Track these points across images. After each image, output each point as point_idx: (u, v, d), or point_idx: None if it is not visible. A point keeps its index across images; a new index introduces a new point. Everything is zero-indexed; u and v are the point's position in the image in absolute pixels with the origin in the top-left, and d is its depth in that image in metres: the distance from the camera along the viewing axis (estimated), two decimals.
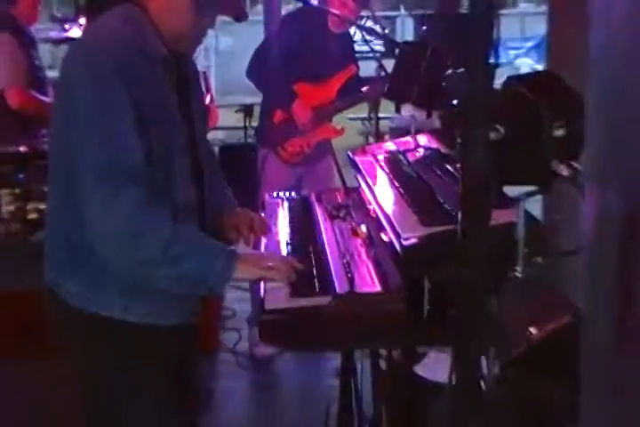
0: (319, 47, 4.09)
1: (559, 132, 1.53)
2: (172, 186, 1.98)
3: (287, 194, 2.79)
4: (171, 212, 1.95)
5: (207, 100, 3.25)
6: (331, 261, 2.09)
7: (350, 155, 2.83)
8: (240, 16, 2.05)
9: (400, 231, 1.94)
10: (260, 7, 11.63)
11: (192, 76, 2.15)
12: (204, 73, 3.87)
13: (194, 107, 2.11)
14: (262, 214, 2.57)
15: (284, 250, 2.24)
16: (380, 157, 2.71)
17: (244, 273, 1.96)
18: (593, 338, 1.07)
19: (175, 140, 1.97)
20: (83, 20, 5.94)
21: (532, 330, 1.88)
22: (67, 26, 7.50)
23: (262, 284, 2.03)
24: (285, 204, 2.67)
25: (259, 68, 4.09)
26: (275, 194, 2.80)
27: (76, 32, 6.79)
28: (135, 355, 2.04)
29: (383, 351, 2.94)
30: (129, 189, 1.85)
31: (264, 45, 4.20)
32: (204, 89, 2.80)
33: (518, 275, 1.61)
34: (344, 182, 4.47)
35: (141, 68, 1.90)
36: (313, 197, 2.70)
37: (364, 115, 9.28)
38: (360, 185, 2.57)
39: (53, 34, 8.11)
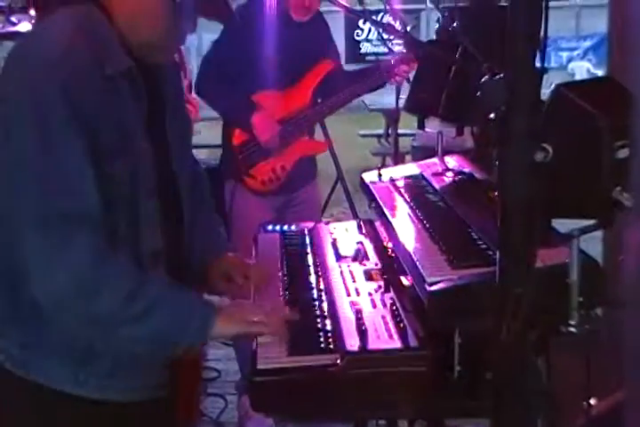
0: (281, 43, 3.91)
1: (622, 154, 1.53)
2: (136, 231, 1.99)
3: (285, 227, 2.79)
4: (135, 260, 1.96)
5: (185, 88, 3.15)
6: (339, 312, 2.08)
7: (363, 179, 2.84)
8: (226, 19, 2.06)
9: (424, 274, 1.93)
10: None
11: (169, 90, 2.14)
12: (180, 51, 3.75)
13: (171, 129, 2.11)
14: (254, 252, 2.57)
15: (280, 298, 2.23)
16: (400, 183, 2.71)
17: (225, 330, 1.98)
18: None
19: (139, 174, 1.98)
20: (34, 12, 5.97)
21: (592, 401, 1.86)
22: (14, 18, 7.55)
23: (254, 339, 2.03)
24: (282, 239, 2.67)
25: (209, 81, 3.97)
26: (269, 227, 2.80)
27: (25, 26, 6.83)
28: None
29: (403, 424, 2.92)
30: (79, 240, 1.85)
31: (212, 51, 4.05)
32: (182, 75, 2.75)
33: (572, 330, 1.61)
34: (355, 213, 4.50)
35: (96, 88, 1.88)
36: (317, 231, 2.70)
37: (380, 130, 9.41)
38: (375, 217, 2.57)
39: None
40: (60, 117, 1.84)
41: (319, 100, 4.11)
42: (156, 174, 2.03)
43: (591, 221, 1.60)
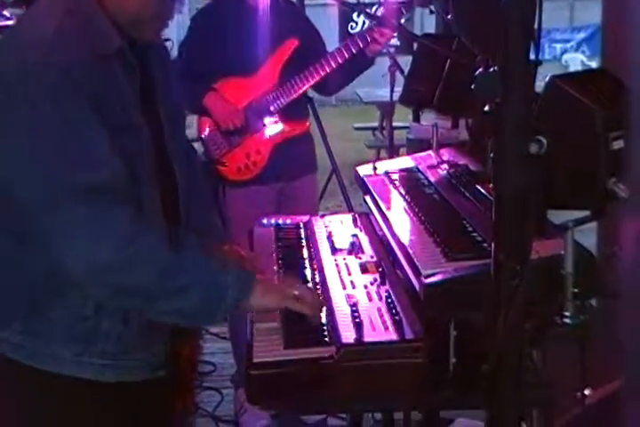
0: (239, 30, 3.89)
1: (617, 145, 1.53)
2: (141, 216, 1.99)
3: (280, 221, 2.79)
4: (164, 232, 1.97)
5: None
6: (334, 304, 2.09)
7: (358, 172, 2.84)
8: None
9: (420, 267, 1.94)
10: None
11: (160, 71, 2.14)
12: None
13: (163, 110, 2.12)
14: (249, 246, 2.58)
15: None
16: (395, 176, 2.71)
17: (265, 301, 1.99)
18: None
19: (141, 155, 1.98)
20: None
21: (586, 391, 1.87)
22: (6, 12, 7.50)
23: (249, 331, 2.03)
24: (277, 233, 2.67)
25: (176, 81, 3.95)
26: (265, 221, 2.80)
27: None
28: (85, 419, 2.05)
29: (399, 416, 2.93)
30: (117, 210, 1.87)
31: (180, 52, 4.00)
32: None
33: (567, 321, 1.61)
34: (350, 206, 4.50)
35: (92, 68, 1.89)
36: (312, 224, 2.70)
37: (375, 123, 9.40)
38: (370, 210, 2.58)
39: None
40: (66, 96, 1.84)
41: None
42: (154, 156, 2.03)
43: (586, 213, 1.60)
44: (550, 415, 1.81)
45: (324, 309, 2.07)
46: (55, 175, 1.86)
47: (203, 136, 4.02)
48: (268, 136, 4.02)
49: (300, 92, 3.97)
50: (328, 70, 3.92)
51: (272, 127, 4.03)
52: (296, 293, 2.01)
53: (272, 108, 3.99)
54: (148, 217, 2.00)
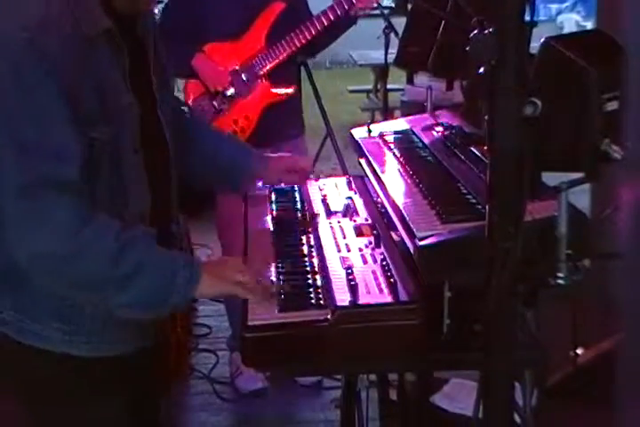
0: None
1: (611, 107, 1.53)
2: (123, 190, 1.99)
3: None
4: (118, 220, 1.96)
5: None
6: (329, 267, 2.10)
7: (352, 135, 2.84)
8: None
9: (414, 229, 1.94)
10: None
11: (150, 41, 2.13)
12: None
13: (155, 80, 2.12)
14: (244, 209, 2.59)
15: (270, 255, 2.24)
16: (390, 139, 2.71)
17: (210, 289, 1.99)
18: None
19: (125, 132, 1.98)
20: None
21: (579, 350, 1.88)
22: None
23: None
24: (272, 196, 2.67)
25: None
26: (259, 184, 2.80)
27: None
28: (80, 394, 2.07)
29: (393, 377, 2.95)
30: (63, 204, 1.86)
31: (162, 18, 3.99)
32: None
33: (560, 282, 1.62)
34: (344, 169, 4.49)
35: (74, 50, 1.86)
36: (306, 187, 2.71)
37: (369, 85, 9.35)
38: (365, 173, 2.58)
39: None
40: (39, 82, 1.83)
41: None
42: (142, 129, 2.03)
43: (579, 174, 1.60)
44: (543, 374, 1.83)
45: (320, 271, 2.08)
46: (9, 165, 1.85)
47: (189, 101, 4.00)
48: (259, 102, 4.00)
49: (287, 55, 3.96)
50: (314, 33, 3.90)
51: (264, 92, 4.02)
52: (241, 279, 2.00)
53: (259, 73, 3.98)
54: (132, 190, 2.01)
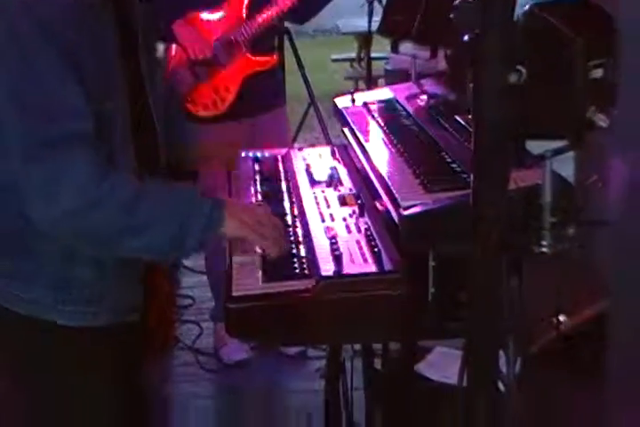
0: None
1: (596, 74, 1.53)
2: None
3: (259, 154, 2.79)
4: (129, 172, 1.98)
5: None
6: (313, 237, 2.10)
7: (336, 104, 2.83)
8: None
9: (399, 199, 1.95)
10: None
11: (138, 19, 2.12)
12: None
13: (144, 59, 2.11)
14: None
15: None
16: (374, 107, 2.71)
17: (234, 231, 2.00)
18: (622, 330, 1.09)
19: (117, 110, 1.98)
20: None
21: (561, 318, 1.90)
22: None
23: (227, 264, 2.05)
24: (255, 166, 2.67)
25: None
26: (243, 154, 2.80)
27: None
28: (66, 365, 2.08)
29: (378, 347, 2.97)
30: (81, 157, 1.86)
31: None
32: None
33: (544, 250, 1.63)
34: (328, 139, 4.49)
35: (75, 20, 1.86)
36: (290, 157, 2.71)
37: (353, 54, 9.32)
38: (348, 142, 2.58)
39: None
40: (42, 50, 1.83)
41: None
42: (131, 109, 2.03)
43: (564, 142, 1.61)
44: (526, 342, 1.84)
45: (304, 241, 2.08)
46: (24, 123, 1.86)
47: (170, 69, 3.98)
48: (239, 72, 3.98)
49: (268, 24, 3.94)
50: (295, 1, 3.89)
51: (244, 62, 4.01)
52: (263, 230, 2.01)
53: (240, 42, 3.96)
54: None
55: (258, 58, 4.00)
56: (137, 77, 2.09)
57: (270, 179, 2.55)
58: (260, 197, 2.41)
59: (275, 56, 4.10)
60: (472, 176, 1.44)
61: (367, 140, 2.43)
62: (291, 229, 2.17)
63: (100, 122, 1.92)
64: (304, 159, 2.67)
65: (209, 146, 3.97)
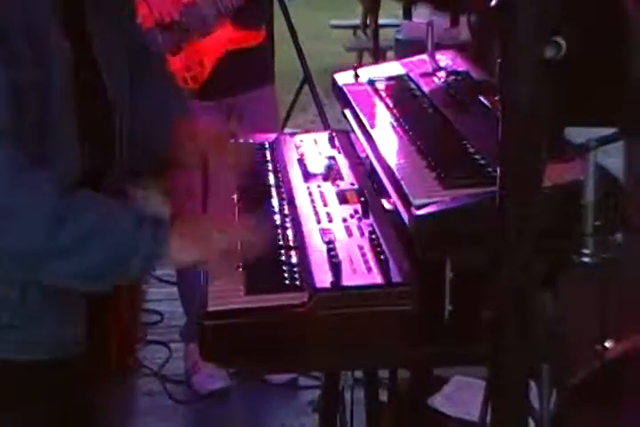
0: None
1: None
2: (51, 151, 1.99)
3: (241, 140, 2.78)
4: (57, 177, 1.96)
5: None
6: (306, 241, 2.11)
7: (336, 81, 2.83)
8: None
9: (410, 196, 1.95)
10: None
11: None
12: None
13: (96, 24, 2.12)
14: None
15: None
16: (381, 85, 2.71)
17: (181, 254, 1.98)
18: None
19: (53, 82, 1.98)
20: None
21: (607, 343, 1.90)
22: None
23: (202, 273, 2.05)
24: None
25: None
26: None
27: None
28: (3, 399, 2.09)
29: (384, 374, 2.97)
30: None
31: None
32: None
33: (586, 260, 1.64)
34: (326, 123, 4.49)
35: None
36: (280, 145, 2.71)
37: (356, 20, 9.32)
38: (350, 127, 2.58)
39: None
40: None
41: None
42: (77, 75, 2.03)
43: (612, 130, 1.61)
44: (564, 372, 1.84)
45: (295, 246, 2.09)
46: None
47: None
48: (218, 46, 4.00)
49: None
50: None
51: (225, 35, 4.01)
52: (214, 246, 2.00)
53: (222, 10, 3.97)
54: (59, 155, 2.01)
55: (242, 32, 4.01)
56: (82, 37, 2.09)
57: (255, 171, 2.55)
58: (242, 192, 2.41)
59: (263, 32, 4.11)
60: (499, 170, 1.45)
61: (373, 126, 2.43)
62: (279, 230, 2.17)
63: (28, 94, 1.92)
64: (296, 147, 2.67)
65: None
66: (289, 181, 2.44)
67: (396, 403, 2.81)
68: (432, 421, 2.56)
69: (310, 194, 2.35)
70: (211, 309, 1.92)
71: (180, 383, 4.30)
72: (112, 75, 2.16)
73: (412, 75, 2.74)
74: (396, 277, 1.92)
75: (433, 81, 2.65)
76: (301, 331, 1.89)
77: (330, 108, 4.45)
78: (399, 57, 3.67)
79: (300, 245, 2.09)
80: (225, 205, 2.37)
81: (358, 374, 3.03)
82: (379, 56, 4.87)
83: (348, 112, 2.63)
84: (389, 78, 2.76)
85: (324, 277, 1.94)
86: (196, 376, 4.26)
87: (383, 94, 2.63)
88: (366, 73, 2.83)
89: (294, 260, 2.04)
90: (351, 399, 2.86)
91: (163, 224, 1.98)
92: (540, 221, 1.40)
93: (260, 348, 1.91)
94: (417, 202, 1.91)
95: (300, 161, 2.55)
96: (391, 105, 2.54)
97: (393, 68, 2.88)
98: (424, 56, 2.84)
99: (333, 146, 2.65)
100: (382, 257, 1.98)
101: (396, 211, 2.01)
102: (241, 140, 2.59)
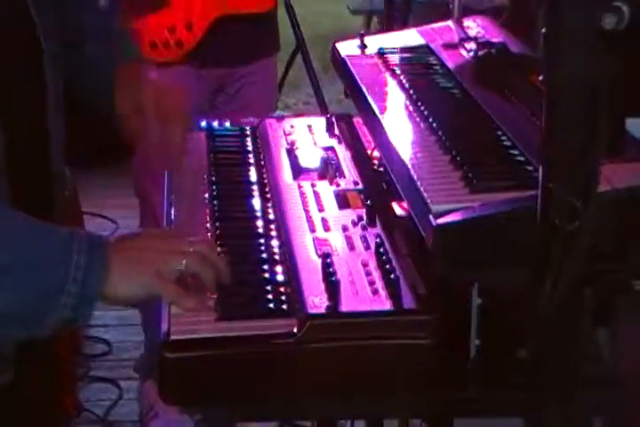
0: None
1: None
2: None
3: (216, 123, 2.79)
4: None
5: None
6: (297, 255, 2.11)
7: (338, 51, 2.84)
8: None
9: (429, 201, 1.95)
10: None
11: None
12: None
13: None
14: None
15: (206, 233, 2.25)
16: (394, 59, 2.72)
17: (125, 290, 1.94)
18: None
19: None
20: None
21: None
22: None
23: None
24: (211, 143, 2.68)
25: None
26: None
27: None
28: None
29: (391, 425, 2.97)
30: None
31: None
32: None
33: None
34: (323, 104, 4.49)
35: None
36: (265, 131, 2.71)
37: None
38: (355, 110, 2.58)
39: None
40: None
41: None
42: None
43: None
44: (625, 421, 1.85)
45: (283, 261, 2.09)
46: None
47: None
48: (209, 9, 4.05)
49: None
50: None
51: None
52: (167, 267, 1.96)
53: None
54: None
55: None
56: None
57: (233, 163, 2.56)
58: (215, 189, 2.41)
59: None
60: (541, 170, 1.45)
61: (383, 109, 2.43)
62: (262, 240, 2.18)
63: None
64: (285, 134, 2.68)
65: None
66: (275, 178, 2.45)
67: None
68: None
69: (302, 195, 2.35)
70: (174, 337, 1.92)
71: None
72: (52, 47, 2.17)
73: (432, 46, 2.75)
74: (408, 303, 1.92)
75: (460, 54, 2.66)
76: (288, 367, 1.89)
77: (329, 85, 4.44)
78: (417, 23, 3.68)
79: (289, 260, 2.10)
80: (193, 204, 2.37)
81: (359, 425, 3.03)
82: (391, 21, 4.87)
83: (351, 91, 2.64)
84: (404, 50, 2.77)
85: (317, 301, 1.94)
86: (153, 423, 4.26)
87: (397, 70, 2.64)
88: (376, 42, 2.84)
89: (281, 278, 2.05)
90: None
91: (98, 249, 1.94)
92: (592, 236, 1.40)
93: (235, 388, 1.92)
94: (437, 208, 1.91)
95: (290, 152, 2.56)
96: (406, 84, 2.54)
97: (409, 36, 2.89)
98: (449, 23, 2.85)
99: (332, 134, 2.66)
100: (392, 276, 1.98)
101: (410, 218, 2.02)
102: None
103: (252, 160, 2.56)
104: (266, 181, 2.44)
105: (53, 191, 2.23)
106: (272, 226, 2.24)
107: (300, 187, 2.39)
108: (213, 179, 2.48)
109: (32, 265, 1.90)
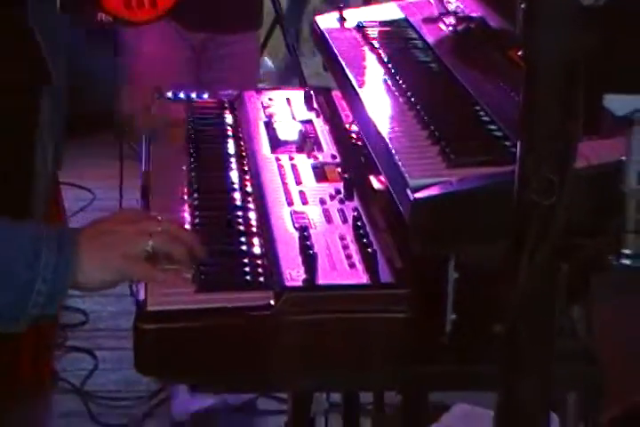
0: None
1: None
2: None
3: (194, 94, 2.79)
4: None
5: None
6: (274, 227, 2.11)
7: (317, 24, 2.83)
8: None
9: (407, 175, 1.95)
10: None
11: None
12: None
13: None
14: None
15: (182, 205, 2.25)
16: (374, 32, 2.71)
17: (96, 275, 1.96)
18: None
19: None
20: None
21: None
22: None
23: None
24: (189, 114, 2.67)
25: None
26: (169, 94, 2.79)
27: None
28: None
29: (367, 398, 2.98)
30: None
31: None
32: None
33: (626, 262, 1.64)
34: (301, 77, 4.48)
35: None
36: (243, 103, 2.71)
37: None
38: (333, 83, 2.58)
39: None
40: None
41: None
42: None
43: None
44: (595, 404, 1.85)
45: (260, 233, 2.09)
46: None
47: None
48: None
49: None
50: None
51: None
52: (135, 249, 1.98)
53: None
54: None
55: None
56: None
57: (211, 135, 2.56)
58: (193, 162, 2.41)
59: None
60: (519, 144, 1.45)
61: (361, 83, 2.43)
62: (240, 212, 2.18)
63: None
64: (264, 107, 2.67)
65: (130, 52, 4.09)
66: (253, 151, 2.44)
67: None
68: None
69: (280, 167, 2.35)
70: (151, 308, 1.91)
71: (106, 401, 4.30)
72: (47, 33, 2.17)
73: (412, 20, 2.74)
74: (385, 277, 1.93)
75: (439, 28, 2.65)
76: (264, 340, 1.89)
77: (307, 58, 4.44)
78: None
79: (266, 233, 2.10)
80: (170, 180, 2.37)
81: (335, 397, 3.04)
82: None
83: (330, 65, 2.63)
84: (384, 23, 2.77)
85: (294, 274, 1.94)
86: (174, 402, 4.26)
87: (375, 44, 2.63)
88: (355, 15, 2.83)
89: (257, 250, 2.05)
90: None
91: (66, 236, 1.96)
92: (569, 211, 1.40)
93: (211, 360, 1.92)
94: (414, 183, 1.91)
95: (268, 125, 2.56)
96: (385, 57, 2.54)
97: (388, 10, 2.89)
98: None
99: (310, 107, 2.65)
100: (369, 250, 1.99)
101: (387, 192, 2.01)
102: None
103: (230, 132, 2.56)
104: (244, 153, 2.44)
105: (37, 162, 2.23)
106: (250, 198, 2.24)
107: (277, 160, 2.39)
108: (192, 151, 2.47)
109: (0, 268, 1.92)
